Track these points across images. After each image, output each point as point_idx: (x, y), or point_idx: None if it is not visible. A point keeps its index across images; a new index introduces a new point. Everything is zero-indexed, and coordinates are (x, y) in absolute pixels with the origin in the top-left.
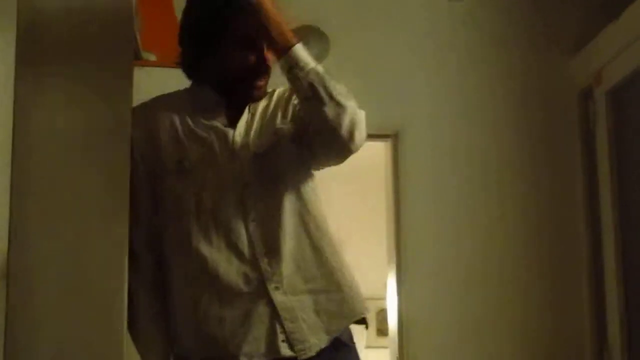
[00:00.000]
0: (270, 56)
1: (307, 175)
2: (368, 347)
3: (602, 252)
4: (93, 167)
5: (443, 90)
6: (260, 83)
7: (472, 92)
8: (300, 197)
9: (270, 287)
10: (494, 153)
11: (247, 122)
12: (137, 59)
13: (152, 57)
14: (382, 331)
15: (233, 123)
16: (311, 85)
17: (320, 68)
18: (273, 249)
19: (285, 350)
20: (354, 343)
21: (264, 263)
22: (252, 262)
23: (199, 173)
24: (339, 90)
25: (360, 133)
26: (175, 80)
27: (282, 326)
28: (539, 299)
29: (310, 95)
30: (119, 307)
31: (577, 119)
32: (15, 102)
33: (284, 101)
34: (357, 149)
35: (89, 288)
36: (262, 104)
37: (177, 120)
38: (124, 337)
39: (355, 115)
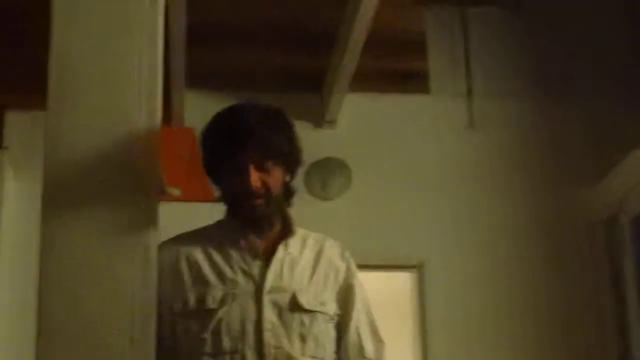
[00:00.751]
0: (263, 177)
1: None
2: None
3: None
4: (120, 305)
5: (465, 220)
6: (254, 203)
7: (494, 222)
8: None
9: None
10: (518, 286)
11: (281, 260)
12: (162, 194)
13: (177, 192)
14: None
15: (268, 256)
16: None
17: None
18: None
19: None
20: None
21: None
22: None
23: (219, 313)
24: None
25: None
26: (201, 214)
27: None
28: None
29: None
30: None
31: (603, 248)
32: (41, 243)
33: (343, 285)
34: None
35: None
36: (309, 248)
37: (202, 256)
38: None
39: None
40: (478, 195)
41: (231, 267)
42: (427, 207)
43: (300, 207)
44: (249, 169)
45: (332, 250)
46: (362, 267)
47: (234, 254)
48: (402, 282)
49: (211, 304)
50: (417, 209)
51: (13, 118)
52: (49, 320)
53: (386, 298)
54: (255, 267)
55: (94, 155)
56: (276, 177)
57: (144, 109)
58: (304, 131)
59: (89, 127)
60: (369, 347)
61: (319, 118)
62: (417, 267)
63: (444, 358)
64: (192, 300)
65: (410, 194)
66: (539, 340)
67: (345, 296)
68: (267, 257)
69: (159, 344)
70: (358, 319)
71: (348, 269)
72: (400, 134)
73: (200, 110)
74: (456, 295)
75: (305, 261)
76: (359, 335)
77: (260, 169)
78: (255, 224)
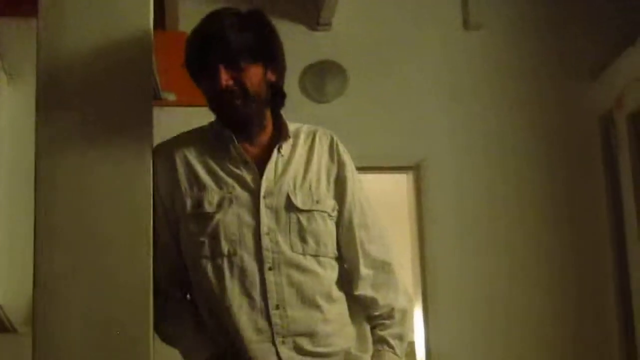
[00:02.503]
0: (236, 75)
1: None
2: None
3: (630, 281)
4: (116, 208)
5: (462, 120)
6: (232, 103)
7: (491, 122)
8: (323, 261)
9: (278, 340)
10: (515, 182)
11: (275, 165)
12: (157, 99)
13: (172, 97)
14: None
15: (260, 162)
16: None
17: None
18: (285, 303)
19: None
20: None
21: (275, 316)
22: (264, 313)
23: (216, 216)
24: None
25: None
26: (196, 118)
27: None
28: (567, 328)
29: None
30: (144, 350)
31: (600, 144)
32: (36, 146)
33: (333, 175)
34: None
35: (115, 329)
36: (300, 145)
37: (198, 159)
38: None
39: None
40: (475, 95)
41: (226, 173)
42: (424, 108)
43: (296, 110)
44: (219, 69)
45: (323, 143)
46: (359, 169)
47: (228, 160)
48: (399, 184)
49: (208, 207)
50: (414, 111)
51: (5, 25)
52: (48, 230)
53: (383, 200)
54: (250, 172)
55: (87, 60)
56: (252, 74)
57: (137, 13)
58: (298, 34)
59: (81, 32)
60: (362, 238)
61: (314, 20)
62: (414, 168)
63: (440, 257)
64: (189, 204)
65: (407, 95)
66: (533, 237)
67: (340, 189)
68: (262, 162)
69: (163, 249)
70: (351, 211)
71: (340, 162)
72: (397, 36)
73: (195, 16)
74: (452, 195)
75: (297, 160)
76: (351, 226)
77: (233, 68)
78: (241, 126)
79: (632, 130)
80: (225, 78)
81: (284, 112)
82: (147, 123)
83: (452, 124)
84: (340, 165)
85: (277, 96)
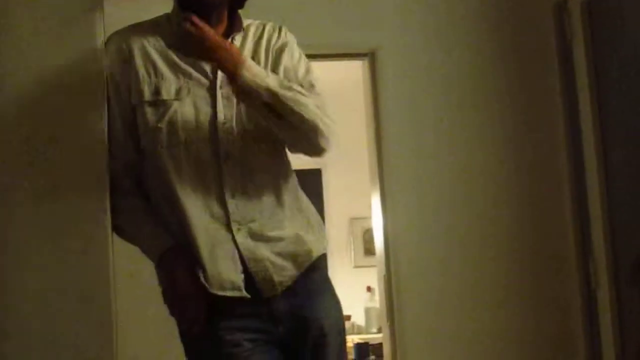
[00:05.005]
0: None
1: None
2: (356, 266)
3: (583, 158)
4: (66, 102)
5: (417, 8)
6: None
7: (445, 7)
8: (275, 149)
9: (234, 228)
10: (469, 69)
11: None
12: None
13: None
14: (370, 250)
15: None
16: (267, 106)
17: (271, 82)
18: (241, 191)
19: (244, 291)
20: (324, 265)
21: (230, 203)
22: (219, 200)
23: (174, 104)
24: (297, 98)
25: (327, 128)
26: (149, 9)
27: (245, 266)
28: (523, 211)
29: (270, 115)
30: (104, 294)
31: (553, 31)
32: None
33: (273, 54)
34: (330, 143)
35: (71, 274)
36: (249, 38)
37: (156, 49)
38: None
39: (320, 120)
40: None
41: (184, 62)
42: None
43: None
44: None
45: (270, 32)
46: (314, 56)
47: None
48: (354, 72)
49: (166, 95)
50: None
51: None
52: None
53: (338, 88)
54: (207, 62)
55: None
56: None
57: None
58: None
59: None
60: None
61: None
62: (369, 55)
63: (398, 145)
64: (147, 91)
65: None
66: (489, 123)
67: (277, 59)
68: None
69: (115, 140)
70: (289, 70)
71: (282, 42)
72: None
73: None
74: (409, 81)
75: (246, 52)
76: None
77: None
78: (207, 12)
79: (587, 19)
80: None
81: None
82: (96, 14)
83: (407, 10)
84: (282, 44)
85: None
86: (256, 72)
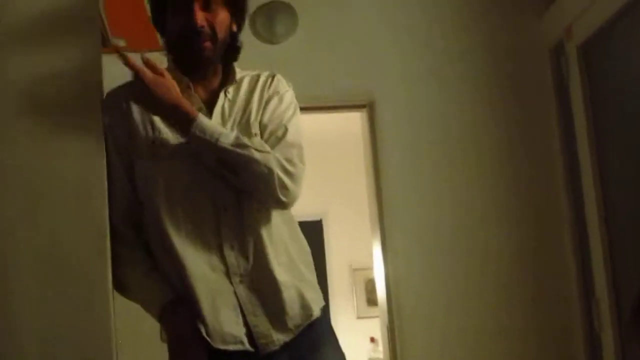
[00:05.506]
0: (209, 17)
1: None
2: (360, 317)
3: (583, 201)
4: (67, 154)
5: (414, 57)
6: (201, 45)
7: (442, 57)
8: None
9: (235, 280)
10: (468, 115)
11: (222, 108)
12: (106, 45)
13: (122, 43)
14: (373, 301)
15: (209, 106)
16: (220, 161)
17: (223, 140)
18: (239, 243)
19: (247, 344)
20: (325, 317)
21: (230, 256)
22: (218, 252)
23: (171, 155)
24: (248, 154)
25: (289, 179)
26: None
27: (245, 319)
28: (524, 257)
29: (225, 170)
30: (103, 293)
31: (550, 74)
32: None
33: (264, 103)
34: (294, 194)
35: (70, 276)
36: (244, 89)
37: None
38: (112, 319)
39: (273, 168)
40: (426, 31)
41: None
42: (375, 45)
43: (247, 51)
44: (194, 7)
45: (263, 81)
46: (313, 109)
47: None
48: (353, 122)
49: (163, 150)
50: (365, 48)
51: None
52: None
53: (338, 139)
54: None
55: (31, 12)
56: (222, 19)
57: None
58: None
59: None
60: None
61: None
62: (367, 106)
63: (398, 195)
64: (145, 146)
65: (358, 32)
66: (489, 170)
67: (264, 107)
68: (211, 105)
69: (117, 190)
70: (267, 125)
71: (274, 91)
72: None
73: None
74: (407, 130)
75: (240, 100)
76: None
77: (205, 8)
78: (201, 68)
79: (583, 61)
80: (200, 18)
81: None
82: (96, 71)
83: (405, 60)
84: (273, 92)
85: (233, 47)
86: (207, 129)
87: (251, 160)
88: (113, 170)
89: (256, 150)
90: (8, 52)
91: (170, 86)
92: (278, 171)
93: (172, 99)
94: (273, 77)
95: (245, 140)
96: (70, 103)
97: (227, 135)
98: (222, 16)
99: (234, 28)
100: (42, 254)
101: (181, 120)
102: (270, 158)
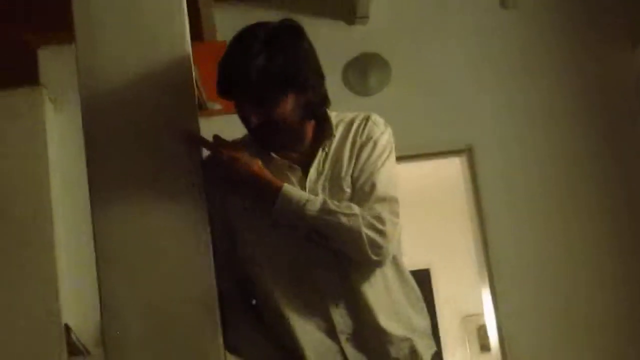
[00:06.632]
0: (268, 110)
1: None
2: None
3: None
4: (171, 222)
5: (507, 99)
6: (265, 137)
7: (533, 98)
8: None
9: (342, 338)
10: (563, 154)
11: (319, 163)
12: (203, 109)
13: (217, 106)
14: (485, 346)
15: (305, 162)
16: (315, 230)
17: (309, 207)
18: (345, 299)
19: None
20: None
21: (335, 313)
22: (323, 311)
23: (265, 216)
24: (336, 220)
25: (380, 237)
26: (242, 126)
27: None
28: (633, 291)
29: (318, 238)
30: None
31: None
32: (89, 175)
33: (356, 152)
34: (387, 250)
35: (182, 340)
36: (337, 138)
37: None
38: None
39: (361, 230)
40: (516, 73)
41: (277, 174)
42: (468, 91)
43: (341, 105)
44: (247, 109)
45: (357, 126)
46: (411, 157)
47: (273, 167)
48: (451, 169)
49: (256, 207)
50: (458, 95)
51: (45, 53)
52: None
53: (438, 186)
54: (295, 176)
55: (128, 80)
56: (283, 108)
57: (172, 27)
58: (337, 30)
59: (119, 52)
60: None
61: (351, 14)
62: (465, 151)
63: (503, 239)
64: (242, 213)
65: (450, 80)
66: (588, 212)
67: (357, 156)
68: (309, 162)
69: (223, 254)
70: (360, 174)
71: (365, 133)
72: (434, 21)
73: (231, 23)
74: (505, 174)
75: (334, 152)
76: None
77: (261, 106)
78: (281, 150)
79: None
80: (254, 118)
81: (330, 109)
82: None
83: (497, 105)
84: (366, 139)
85: (318, 107)
86: (293, 198)
87: (338, 227)
88: (219, 237)
89: (343, 214)
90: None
91: (249, 160)
92: (367, 231)
93: (252, 171)
94: (367, 119)
95: (332, 205)
96: (173, 168)
97: (314, 202)
98: (283, 104)
99: (306, 98)
100: (156, 322)
101: (265, 192)
102: (358, 221)
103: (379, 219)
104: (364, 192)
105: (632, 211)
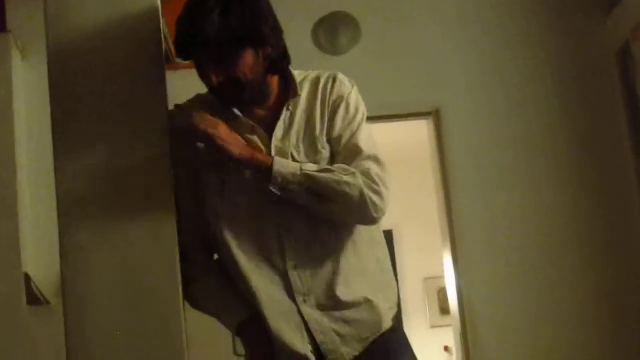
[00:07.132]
0: (228, 68)
1: None
2: (433, 326)
3: None
4: (137, 176)
5: (478, 63)
6: (226, 94)
7: (507, 62)
8: None
9: (299, 299)
10: (535, 120)
11: (284, 122)
12: (169, 62)
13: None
14: (445, 310)
15: (269, 121)
16: (310, 191)
17: (307, 167)
18: (303, 261)
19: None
20: (398, 326)
21: (293, 275)
22: (282, 273)
23: (237, 190)
24: (337, 177)
25: (378, 197)
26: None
27: (312, 337)
28: (598, 264)
29: (315, 200)
30: (175, 314)
31: (617, 76)
32: (52, 122)
33: (328, 112)
34: (383, 210)
35: (143, 294)
36: (304, 96)
37: None
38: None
39: (363, 189)
40: (489, 36)
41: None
42: (438, 53)
43: (310, 64)
44: (207, 68)
45: (323, 86)
46: (377, 118)
47: (237, 126)
48: (418, 131)
49: (230, 185)
50: (428, 56)
51: (14, 3)
52: (70, 203)
53: (403, 148)
54: (259, 136)
55: (96, 31)
56: (243, 63)
57: None
58: None
59: (87, 6)
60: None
61: None
62: (433, 114)
63: (467, 202)
64: (215, 182)
65: (420, 41)
66: (557, 176)
67: (331, 116)
68: (273, 121)
69: (186, 213)
70: (340, 135)
71: (335, 92)
72: None
73: None
74: (474, 138)
75: (301, 111)
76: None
77: (221, 63)
78: (243, 106)
79: None
80: (215, 76)
81: (298, 67)
82: (161, 89)
83: (469, 67)
84: (337, 98)
85: (279, 62)
86: (286, 164)
87: (341, 183)
88: (183, 195)
89: (343, 170)
90: (71, 67)
91: (235, 139)
92: (367, 190)
93: (245, 153)
94: (334, 78)
95: (327, 166)
96: (138, 117)
97: (307, 163)
98: (243, 59)
99: (266, 53)
100: (117, 275)
101: (259, 170)
102: (358, 178)
103: (371, 178)
104: (350, 151)
105: (601, 171)
